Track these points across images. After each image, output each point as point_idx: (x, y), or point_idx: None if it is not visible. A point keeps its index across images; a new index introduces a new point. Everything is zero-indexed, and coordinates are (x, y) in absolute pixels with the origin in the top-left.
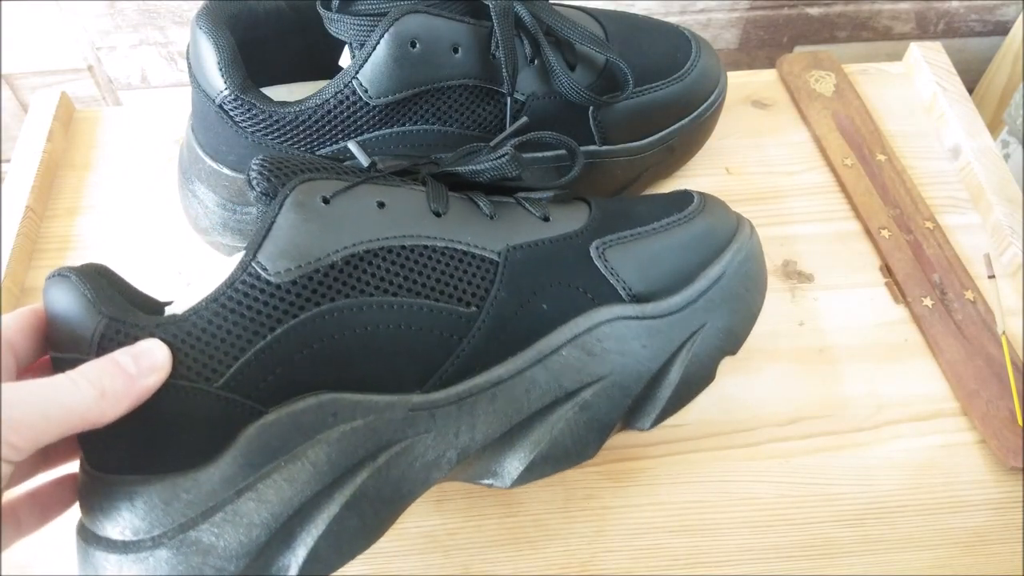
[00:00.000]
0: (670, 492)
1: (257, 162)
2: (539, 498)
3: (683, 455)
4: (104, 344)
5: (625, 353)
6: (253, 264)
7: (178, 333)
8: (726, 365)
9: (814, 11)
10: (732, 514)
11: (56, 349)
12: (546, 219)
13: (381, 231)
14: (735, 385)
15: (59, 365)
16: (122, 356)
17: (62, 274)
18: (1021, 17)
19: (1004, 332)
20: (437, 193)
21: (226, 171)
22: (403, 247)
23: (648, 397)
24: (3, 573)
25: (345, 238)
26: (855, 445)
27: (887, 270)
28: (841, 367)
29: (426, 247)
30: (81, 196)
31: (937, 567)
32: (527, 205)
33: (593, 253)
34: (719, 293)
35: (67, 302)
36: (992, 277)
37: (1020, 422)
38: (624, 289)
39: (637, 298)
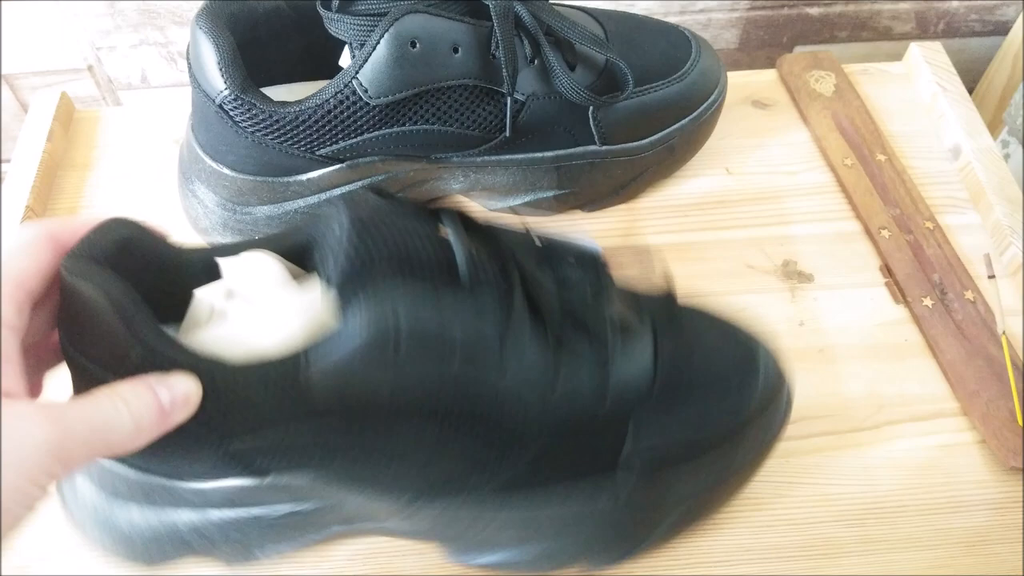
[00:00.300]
0: None
1: (346, 252)
2: None
3: None
4: (133, 371)
5: (593, 539)
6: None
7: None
8: None
9: (814, 11)
10: (732, 514)
11: (74, 344)
12: (603, 397)
13: (443, 392)
14: None
15: (78, 366)
16: (161, 390)
17: (94, 260)
18: (1021, 17)
19: (1004, 332)
20: (509, 299)
21: (226, 171)
22: (451, 411)
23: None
24: (3, 573)
25: (397, 383)
26: (855, 445)
27: (887, 270)
28: (841, 367)
29: (471, 413)
30: (81, 196)
31: (937, 567)
32: (593, 372)
33: (624, 451)
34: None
35: (98, 309)
36: (992, 277)
37: (1020, 422)
38: (630, 481)
39: (634, 495)
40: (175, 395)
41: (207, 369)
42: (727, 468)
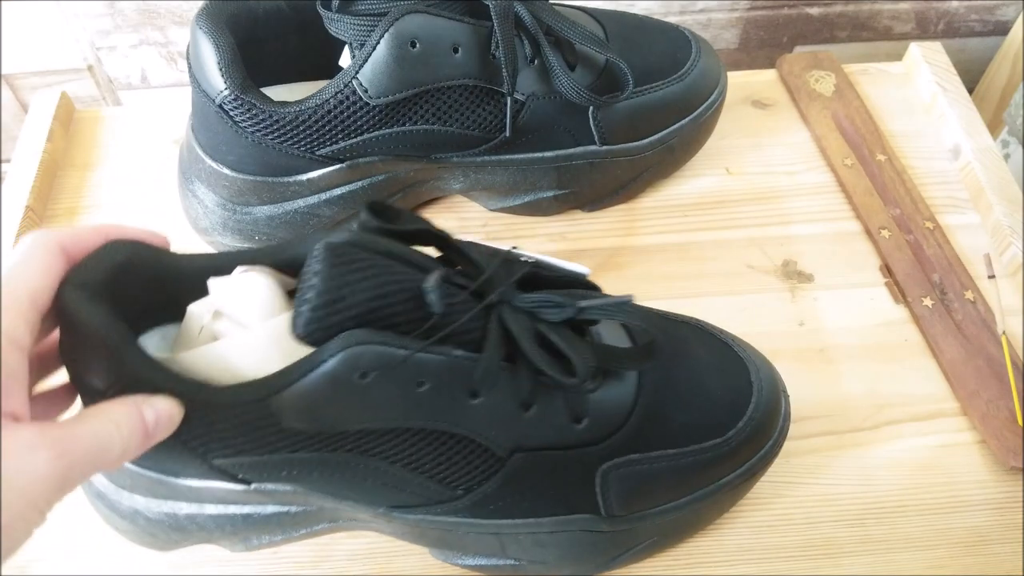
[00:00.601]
0: None
1: (309, 301)
2: None
3: None
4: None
5: (569, 554)
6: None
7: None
8: None
9: (814, 11)
10: (732, 514)
11: (73, 365)
12: (578, 420)
13: (407, 415)
14: None
15: (77, 380)
16: (147, 410)
17: (91, 291)
18: (1021, 17)
19: (1004, 332)
20: (487, 372)
21: (226, 171)
22: (422, 430)
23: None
24: (3, 573)
25: (366, 417)
26: (855, 445)
27: (887, 270)
28: (841, 367)
29: (443, 432)
30: (81, 196)
31: (937, 567)
32: (568, 399)
33: (598, 474)
34: (683, 519)
35: (96, 333)
36: (992, 277)
37: (1020, 422)
38: (606, 508)
39: (611, 518)
40: (159, 415)
41: (186, 394)
42: (711, 492)
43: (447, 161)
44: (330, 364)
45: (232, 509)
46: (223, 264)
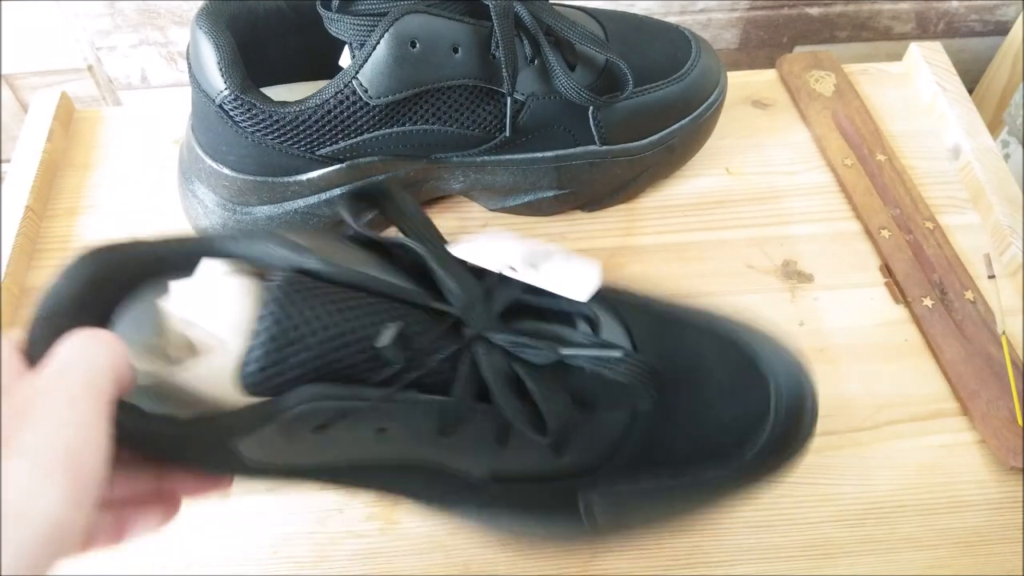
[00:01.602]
0: None
1: (257, 357)
2: None
3: None
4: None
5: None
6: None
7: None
8: None
9: (814, 11)
10: (732, 514)
11: None
12: (558, 449)
13: (380, 455)
14: None
15: None
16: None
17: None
18: (1021, 17)
19: (1004, 332)
20: (457, 413)
21: (226, 171)
22: (399, 466)
23: None
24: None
25: (336, 458)
26: (855, 445)
27: (887, 270)
28: (841, 367)
29: (413, 467)
30: (81, 196)
31: (937, 567)
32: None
33: (580, 499)
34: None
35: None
36: (992, 277)
37: (1020, 422)
38: (590, 525)
39: (596, 530)
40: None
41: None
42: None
43: (447, 161)
44: (287, 417)
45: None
46: (201, 248)
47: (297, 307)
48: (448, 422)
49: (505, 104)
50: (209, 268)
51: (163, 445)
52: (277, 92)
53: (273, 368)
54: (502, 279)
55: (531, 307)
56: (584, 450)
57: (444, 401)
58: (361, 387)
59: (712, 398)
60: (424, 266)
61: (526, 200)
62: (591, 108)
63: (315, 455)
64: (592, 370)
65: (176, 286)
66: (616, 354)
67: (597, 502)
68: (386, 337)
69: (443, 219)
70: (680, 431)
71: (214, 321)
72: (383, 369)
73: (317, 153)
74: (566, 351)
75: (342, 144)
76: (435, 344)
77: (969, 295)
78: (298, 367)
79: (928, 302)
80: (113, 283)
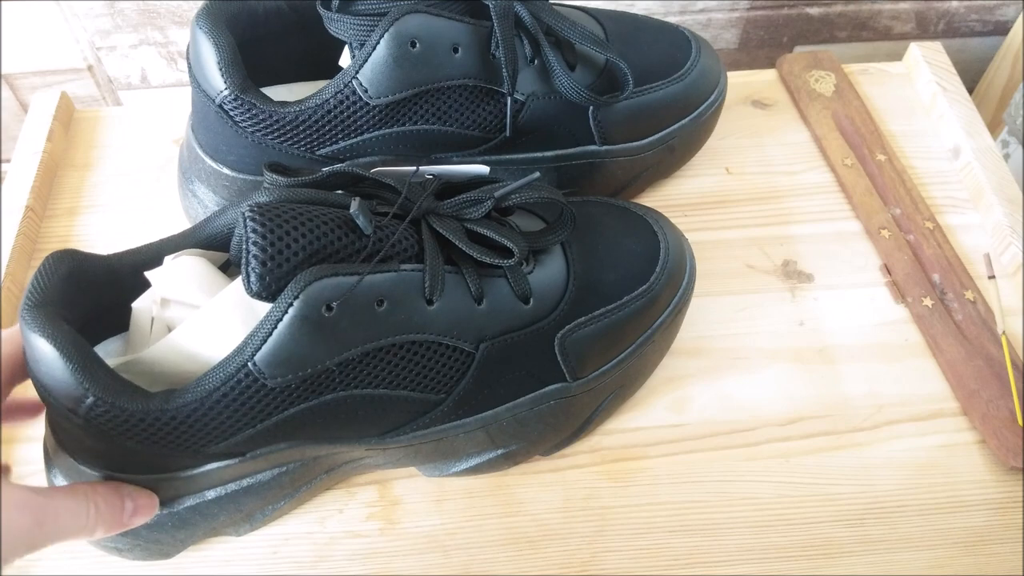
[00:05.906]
0: (670, 492)
1: (255, 257)
2: (539, 498)
3: (683, 455)
4: (92, 416)
5: (550, 424)
6: (250, 365)
7: (167, 421)
8: (725, 364)
9: (814, 11)
10: (732, 514)
11: (40, 387)
12: (526, 300)
13: (376, 334)
14: (735, 385)
15: (47, 402)
16: (128, 503)
17: (40, 325)
18: (1021, 17)
19: (1004, 332)
20: (434, 276)
21: (226, 171)
22: (392, 345)
23: (562, 444)
24: (4, 574)
25: (343, 347)
26: (855, 445)
27: (887, 270)
28: (841, 367)
29: (413, 342)
30: (81, 196)
31: (937, 567)
32: (512, 282)
33: (556, 343)
34: (634, 366)
35: (52, 366)
36: (992, 277)
37: (1020, 422)
38: (571, 373)
39: (577, 380)
40: (138, 507)
41: (160, 403)
42: (651, 335)
43: (447, 161)
44: (296, 307)
45: (231, 487)
46: (150, 256)
47: (272, 220)
48: (429, 285)
49: (505, 104)
50: (174, 257)
51: (182, 410)
52: (277, 92)
53: (271, 275)
54: (420, 176)
55: (452, 187)
56: (542, 297)
57: (421, 268)
58: (349, 264)
59: (618, 238)
60: (356, 184)
61: None
62: (591, 108)
63: (331, 348)
64: (521, 204)
65: (151, 273)
66: (535, 175)
67: (569, 341)
68: (354, 205)
69: None
70: (604, 264)
71: (186, 290)
72: (360, 252)
73: (317, 153)
74: (498, 192)
75: (342, 144)
76: (394, 224)
77: (969, 295)
78: (291, 262)
79: (928, 302)
80: (78, 285)
